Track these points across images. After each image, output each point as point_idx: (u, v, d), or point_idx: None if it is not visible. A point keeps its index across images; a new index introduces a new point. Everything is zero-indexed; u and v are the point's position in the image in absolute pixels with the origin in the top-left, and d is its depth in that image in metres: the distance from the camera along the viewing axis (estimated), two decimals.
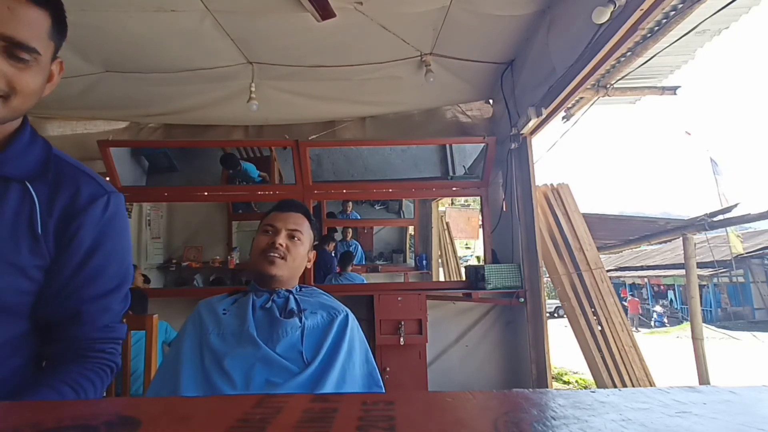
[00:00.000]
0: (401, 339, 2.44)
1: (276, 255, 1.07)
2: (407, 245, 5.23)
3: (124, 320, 0.79)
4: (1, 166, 0.64)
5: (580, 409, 0.33)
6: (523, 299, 2.59)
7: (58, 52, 0.69)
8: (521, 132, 2.51)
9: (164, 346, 2.28)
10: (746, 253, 13.39)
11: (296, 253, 1.11)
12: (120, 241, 0.74)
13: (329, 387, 0.95)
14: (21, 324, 0.68)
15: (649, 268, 16.60)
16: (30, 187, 0.66)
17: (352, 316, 1.10)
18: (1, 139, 0.67)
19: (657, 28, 2.25)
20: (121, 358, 0.78)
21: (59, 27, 0.66)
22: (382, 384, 1.06)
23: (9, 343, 0.67)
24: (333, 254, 4.16)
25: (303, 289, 1.17)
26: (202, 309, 1.08)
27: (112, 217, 0.72)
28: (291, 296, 1.09)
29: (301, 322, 1.02)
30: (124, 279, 0.75)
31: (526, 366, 2.56)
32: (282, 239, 1.09)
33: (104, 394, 0.80)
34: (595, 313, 3.72)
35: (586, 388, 4.78)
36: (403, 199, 4.83)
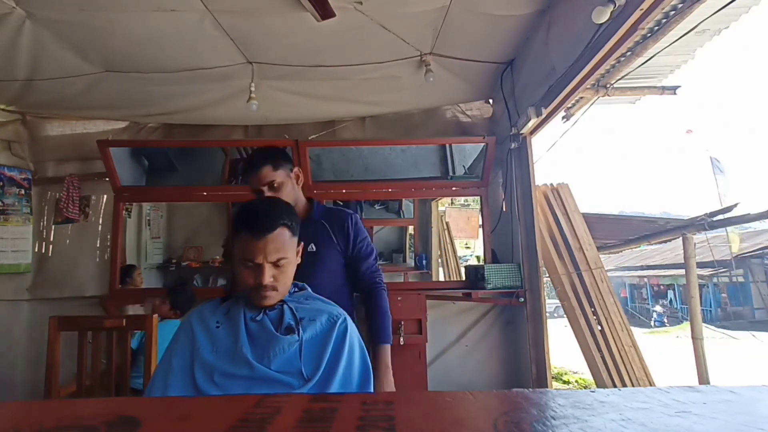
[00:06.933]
0: (401, 339, 2.44)
1: (267, 291, 1.01)
2: (407, 245, 5.22)
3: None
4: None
5: (580, 408, 0.32)
6: (523, 299, 2.59)
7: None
8: (521, 132, 2.51)
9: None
10: (745, 252, 13.39)
11: (286, 275, 1.04)
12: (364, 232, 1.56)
13: None
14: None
15: (649, 267, 16.59)
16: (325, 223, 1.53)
17: (350, 320, 1.07)
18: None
19: (657, 27, 2.25)
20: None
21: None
22: (372, 383, 1.04)
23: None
24: None
25: (296, 288, 1.12)
26: (194, 321, 1.03)
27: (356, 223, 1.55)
28: (285, 306, 1.04)
29: (299, 335, 0.99)
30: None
31: (526, 366, 2.56)
32: (268, 277, 0.99)
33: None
34: (595, 313, 3.71)
35: (586, 388, 4.77)
36: (403, 199, 4.83)
